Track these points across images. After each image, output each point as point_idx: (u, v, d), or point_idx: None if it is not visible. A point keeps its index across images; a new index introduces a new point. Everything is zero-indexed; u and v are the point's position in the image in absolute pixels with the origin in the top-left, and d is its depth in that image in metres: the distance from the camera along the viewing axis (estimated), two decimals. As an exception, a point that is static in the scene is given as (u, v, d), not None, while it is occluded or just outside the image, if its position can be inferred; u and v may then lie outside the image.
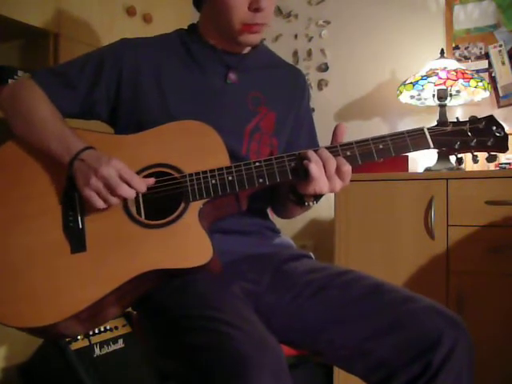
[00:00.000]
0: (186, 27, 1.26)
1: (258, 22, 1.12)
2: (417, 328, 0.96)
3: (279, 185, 1.14)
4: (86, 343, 1.77)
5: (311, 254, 1.23)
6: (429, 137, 1.02)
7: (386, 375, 0.97)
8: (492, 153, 1.03)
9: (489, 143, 1.02)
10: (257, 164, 1.03)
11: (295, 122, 1.28)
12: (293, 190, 1.09)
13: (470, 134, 1.02)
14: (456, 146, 1.02)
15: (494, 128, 1.02)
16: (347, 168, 1.00)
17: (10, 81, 1.73)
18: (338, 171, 1.00)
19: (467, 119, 1.04)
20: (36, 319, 0.98)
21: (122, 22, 2.10)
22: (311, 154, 1.00)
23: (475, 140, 1.02)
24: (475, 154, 1.03)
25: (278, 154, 1.05)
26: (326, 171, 0.99)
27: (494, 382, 1.71)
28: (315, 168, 0.98)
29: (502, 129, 1.03)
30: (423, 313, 0.97)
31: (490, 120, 1.03)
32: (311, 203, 1.09)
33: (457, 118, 1.05)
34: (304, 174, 1.00)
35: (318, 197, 1.07)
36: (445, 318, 0.96)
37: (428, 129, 1.03)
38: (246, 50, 1.22)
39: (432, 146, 1.02)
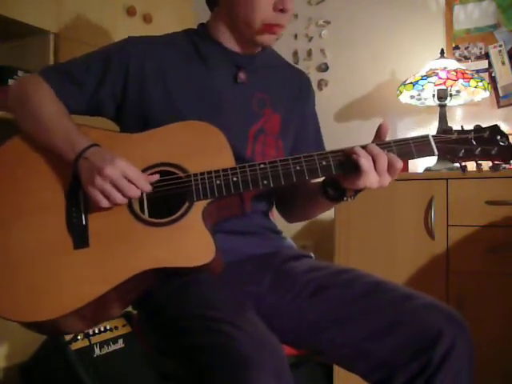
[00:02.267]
0: (194, 27, 1.26)
1: (280, 23, 1.12)
2: (417, 325, 0.96)
3: (304, 184, 1.15)
4: (85, 343, 1.77)
5: (311, 255, 1.23)
6: (434, 144, 1.02)
7: (387, 375, 0.97)
8: (496, 162, 1.03)
9: (493, 152, 1.02)
10: (262, 166, 1.03)
11: (300, 125, 1.28)
12: (332, 185, 1.09)
13: (474, 142, 1.03)
14: (460, 154, 1.03)
15: (499, 137, 1.03)
16: (400, 165, 1.00)
17: (10, 81, 1.73)
18: (391, 167, 1.00)
19: (472, 128, 1.04)
20: (36, 314, 0.98)
21: (122, 22, 2.10)
22: (359, 149, 1.00)
23: (479, 149, 1.02)
24: (479, 162, 1.04)
25: (284, 156, 1.05)
26: (376, 166, 0.99)
27: (494, 381, 1.72)
28: (365, 162, 0.98)
29: (507, 138, 1.03)
30: (423, 310, 0.98)
31: (495, 129, 1.04)
32: (349, 198, 1.10)
33: (461, 126, 1.06)
34: (354, 169, 1.00)
35: (357, 192, 1.08)
36: (445, 315, 0.97)
37: (433, 136, 1.03)
38: (256, 50, 1.22)
39: (437, 153, 1.02)
